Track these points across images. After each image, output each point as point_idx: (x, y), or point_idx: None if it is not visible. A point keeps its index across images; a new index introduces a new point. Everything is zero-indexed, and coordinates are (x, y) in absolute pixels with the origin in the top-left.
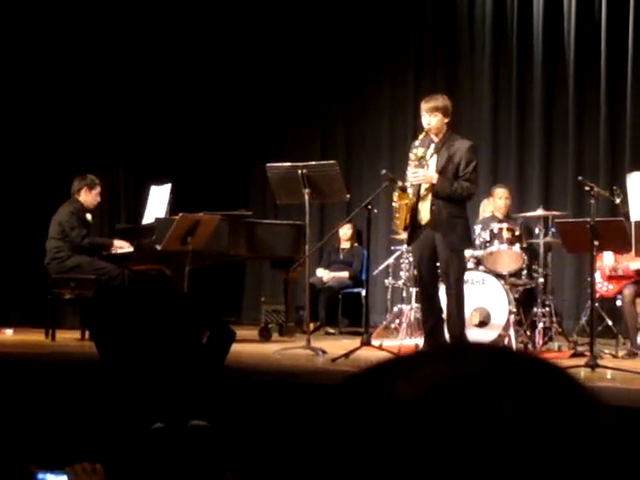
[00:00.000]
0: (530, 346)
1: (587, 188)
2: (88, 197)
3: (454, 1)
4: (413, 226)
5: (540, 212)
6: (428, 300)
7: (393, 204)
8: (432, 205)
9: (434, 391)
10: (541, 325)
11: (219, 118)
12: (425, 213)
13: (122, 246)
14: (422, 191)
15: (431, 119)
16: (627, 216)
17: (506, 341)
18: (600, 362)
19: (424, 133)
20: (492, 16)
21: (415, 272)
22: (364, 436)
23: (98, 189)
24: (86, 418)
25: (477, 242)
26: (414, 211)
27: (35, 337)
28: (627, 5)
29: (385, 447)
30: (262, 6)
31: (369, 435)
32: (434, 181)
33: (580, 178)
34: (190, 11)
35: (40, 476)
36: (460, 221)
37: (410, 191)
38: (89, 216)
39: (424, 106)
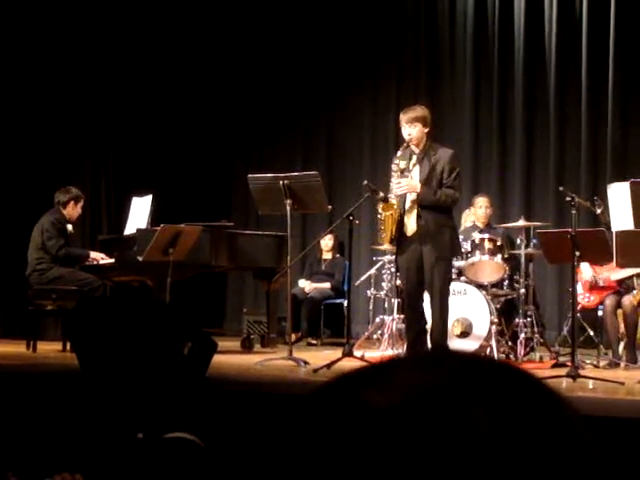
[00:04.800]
0: (512, 356)
1: (568, 199)
2: (74, 211)
3: (435, 11)
4: (400, 238)
5: (521, 223)
6: (412, 310)
7: (378, 216)
8: (419, 216)
9: (406, 399)
10: (523, 335)
11: (200, 129)
12: (412, 224)
13: (98, 257)
14: (407, 203)
15: (411, 130)
16: (608, 226)
17: (488, 351)
18: (582, 372)
19: (405, 144)
20: (473, 27)
21: (398, 282)
22: (336, 445)
23: (82, 202)
24: (66, 429)
25: (462, 252)
26: (400, 223)
27: (16, 348)
28: (607, 19)
29: (357, 456)
30: (244, 18)
31: (341, 444)
32: (418, 190)
33: (561, 188)
34: (171, 23)
35: None
36: (447, 229)
37: (394, 202)
38: (70, 227)
39: (403, 117)
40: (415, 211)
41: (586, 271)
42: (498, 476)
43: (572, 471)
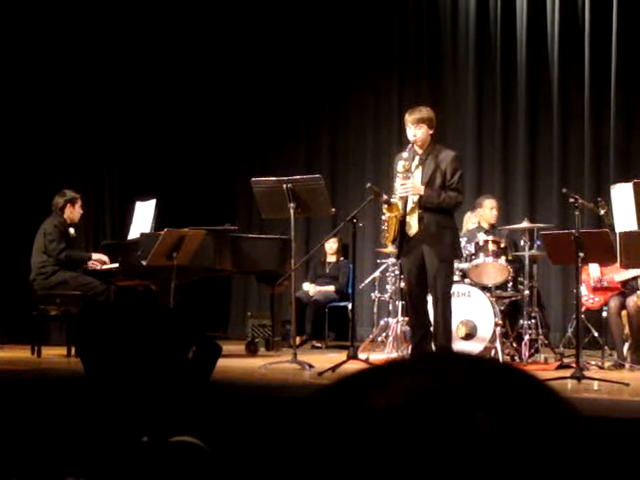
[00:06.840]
0: (516, 358)
1: (572, 200)
2: (73, 212)
3: (437, 14)
4: (402, 238)
5: (525, 224)
6: (416, 312)
7: (383, 217)
8: (420, 217)
9: (408, 401)
10: (527, 337)
11: (204, 133)
12: (414, 225)
13: (100, 259)
14: (410, 204)
15: (416, 131)
16: (612, 227)
17: (492, 353)
18: (586, 373)
19: (410, 145)
20: (475, 28)
21: (402, 285)
22: (339, 446)
23: (80, 202)
24: (71, 434)
25: (463, 255)
26: (402, 224)
27: (21, 354)
28: (610, 20)
29: (360, 457)
30: (246, 21)
31: (344, 445)
32: (422, 192)
33: (565, 190)
34: (175, 30)
35: None
36: (448, 231)
37: (399, 203)
38: (72, 230)
39: (409, 118)
40: (417, 212)
41: (594, 272)
42: (500, 477)
43: (573, 472)
